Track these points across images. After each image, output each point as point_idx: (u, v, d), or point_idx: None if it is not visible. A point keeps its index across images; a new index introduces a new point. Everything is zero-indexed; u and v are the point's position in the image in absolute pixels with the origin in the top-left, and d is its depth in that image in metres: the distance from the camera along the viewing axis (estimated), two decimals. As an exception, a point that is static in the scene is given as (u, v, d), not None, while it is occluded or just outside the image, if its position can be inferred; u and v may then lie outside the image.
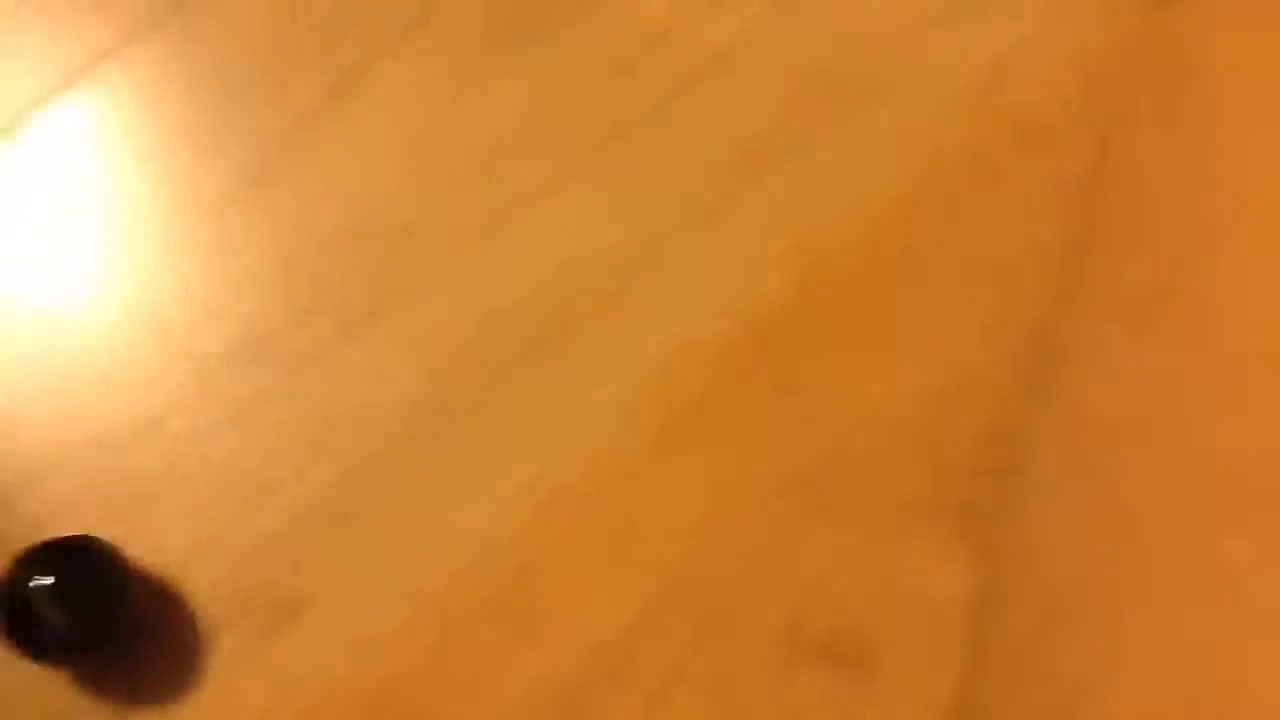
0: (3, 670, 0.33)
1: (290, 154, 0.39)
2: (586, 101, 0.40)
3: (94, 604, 0.32)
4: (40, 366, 0.37)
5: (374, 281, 0.37)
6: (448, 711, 0.33)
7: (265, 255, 0.38)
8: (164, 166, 0.39)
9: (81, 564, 0.33)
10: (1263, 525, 0.18)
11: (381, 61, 0.40)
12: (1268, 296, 0.20)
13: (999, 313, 0.37)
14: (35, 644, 0.32)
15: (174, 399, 0.36)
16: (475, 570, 0.34)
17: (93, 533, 0.33)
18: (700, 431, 0.36)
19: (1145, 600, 0.19)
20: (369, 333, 0.37)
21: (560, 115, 0.39)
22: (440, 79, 0.40)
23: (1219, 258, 0.21)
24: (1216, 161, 0.23)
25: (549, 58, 0.40)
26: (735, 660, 0.33)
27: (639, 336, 0.37)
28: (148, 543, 0.35)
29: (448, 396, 0.36)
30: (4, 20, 0.42)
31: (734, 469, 0.35)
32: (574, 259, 0.38)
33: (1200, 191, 0.23)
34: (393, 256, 0.38)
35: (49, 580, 0.32)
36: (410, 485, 0.35)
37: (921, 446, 0.35)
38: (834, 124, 0.40)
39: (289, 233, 0.38)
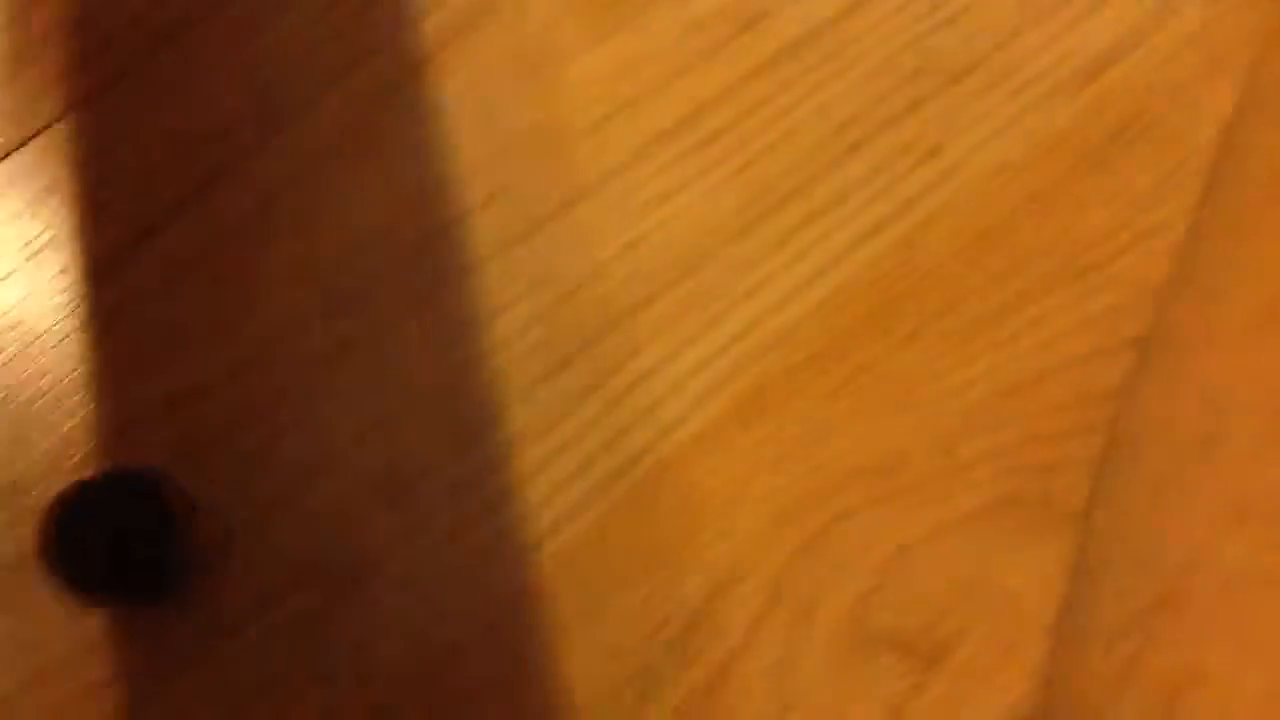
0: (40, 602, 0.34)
1: (379, 116, 0.39)
2: (675, 77, 0.39)
3: (147, 540, 0.32)
4: (130, 320, 0.38)
5: (454, 248, 0.38)
6: (510, 684, 0.33)
7: (347, 222, 0.38)
8: (249, 130, 0.39)
9: (143, 498, 0.32)
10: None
11: (468, 33, 0.40)
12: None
13: (1085, 307, 0.37)
14: (78, 575, 0.32)
15: (255, 353, 0.37)
16: (544, 541, 0.34)
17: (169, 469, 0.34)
18: (777, 410, 0.35)
19: (1264, 588, 0.19)
20: (446, 299, 0.37)
21: (647, 91, 0.39)
22: (533, 48, 0.40)
23: None
24: None
25: (644, 30, 0.40)
26: (799, 641, 0.33)
27: (718, 313, 0.36)
28: (220, 495, 0.35)
29: (524, 366, 0.36)
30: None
31: (809, 448, 0.35)
32: (654, 235, 0.38)
33: None
34: (474, 224, 0.38)
35: (101, 508, 0.32)
36: (480, 458, 0.35)
37: (998, 439, 0.35)
38: (932, 106, 0.39)
39: (370, 202, 0.38)
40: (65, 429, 0.36)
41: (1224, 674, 0.18)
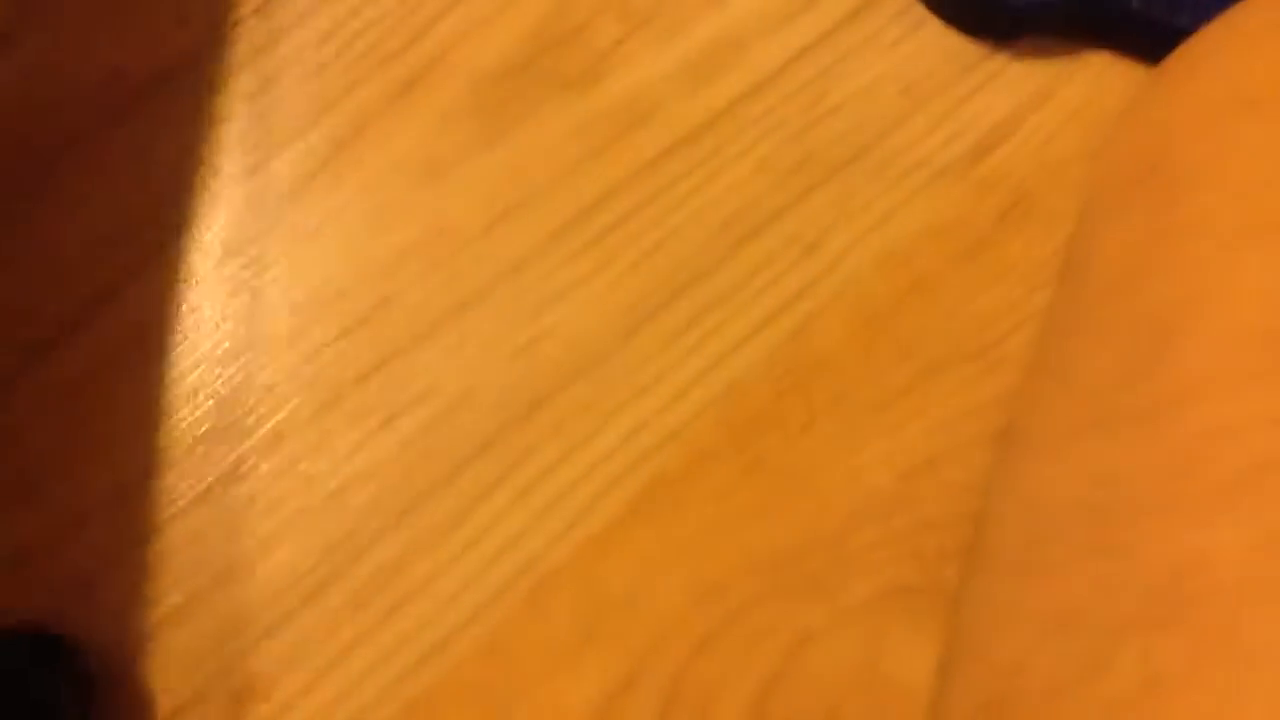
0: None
1: (270, 228, 0.39)
2: (567, 177, 0.40)
3: (33, 695, 0.32)
4: None
5: (346, 359, 0.38)
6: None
7: (238, 331, 0.38)
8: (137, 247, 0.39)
9: (20, 654, 0.32)
10: (1194, 635, 0.18)
11: (365, 134, 0.40)
12: (1211, 402, 0.20)
13: (976, 390, 0.37)
14: None
15: (134, 478, 0.36)
16: (440, 649, 0.34)
17: (38, 620, 0.33)
18: (672, 508, 0.36)
19: (1081, 696, 0.19)
20: (338, 411, 0.37)
21: (540, 190, 0.40)
22: (423, 153, 0.40)
23: (1174, 356, 0.21)
24: (1179, 259, 0.23)
25: (532, 133, 0.40)
26: (698, 743, 0.33)
27: (610, 414, 0.37)
28: (97, 629, 0.35)
29: (416, 475, 0.36)
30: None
31: (704, 545, 0.35)
32: (550, 334, 0.38)
33: (1163, 285, 0.23)
34: (366, 333, 0.38)
35: None
36: (374, 567, 0.35)
37: (892, 526, 0.35)
38: (818, 197, 0.40)
39: (260, 311, 0.38)
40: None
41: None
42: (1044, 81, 0.41)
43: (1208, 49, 0.26)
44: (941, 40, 0.42)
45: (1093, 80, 0.41)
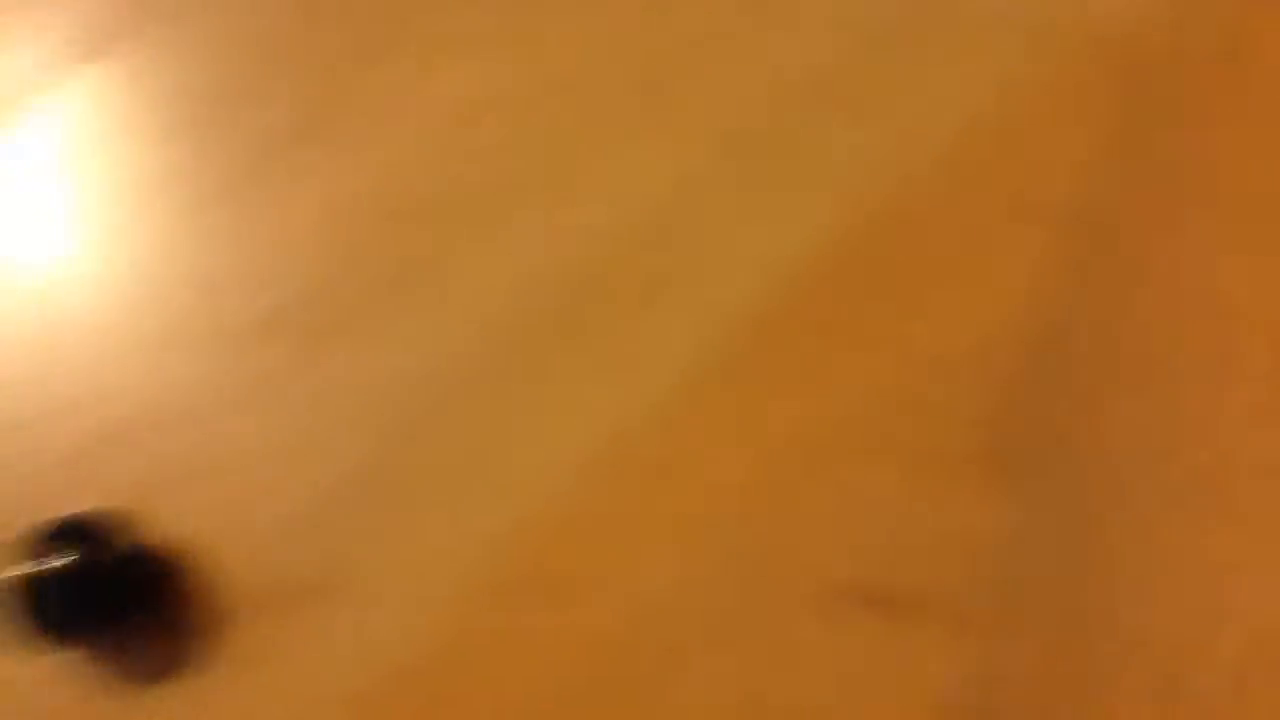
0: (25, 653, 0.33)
1: (313, 126, 0.38)
2: (624, 44, 0.38)
3: (114, 580, 0.32)
4: (63, 350, 0.37)
5: (398, 252, 0.37)
6: (491, 679, 0.33)
7: (287, 230, 0.37)
8: (184, 142, 0.39)
9: (101, 540, 0.33)
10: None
11: (414, 22, 0.39)
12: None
13: (1042, 264, 0.36)
14: (56, 621, 0.32)
15: (198, 377, 0.36)
16: (515, 533, 0.34)
17: (116, 510, 0.33)
18: (743, 380, 0.35)
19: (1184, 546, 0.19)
20: (393, 302, 0.36)
21: (598, 59, 0.38)
22: (477, 31, 0.39)
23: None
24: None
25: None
26: (782, 608, 0.33)
27: (683, 287, 0.36)
28: (173, 522, 0.35)
29: (478, 362, 0.36)
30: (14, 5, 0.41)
31: (776, 415, 0.35)
32: (615, 211, 0.37)
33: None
34: (419, 225, 0.37)
35: (69, 558, 0.32)
36: (442, 454, 0.35)
37: (958, 393, 0.35)
38: (877, 71, 0.38)
39: (310, 207, 0.37)
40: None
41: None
42: None
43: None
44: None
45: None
